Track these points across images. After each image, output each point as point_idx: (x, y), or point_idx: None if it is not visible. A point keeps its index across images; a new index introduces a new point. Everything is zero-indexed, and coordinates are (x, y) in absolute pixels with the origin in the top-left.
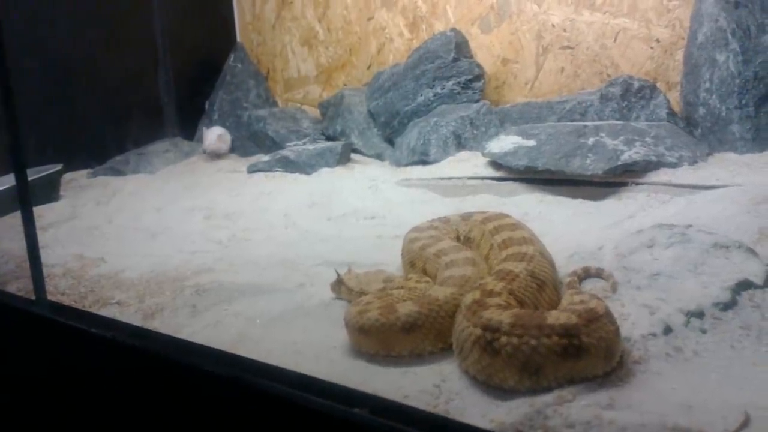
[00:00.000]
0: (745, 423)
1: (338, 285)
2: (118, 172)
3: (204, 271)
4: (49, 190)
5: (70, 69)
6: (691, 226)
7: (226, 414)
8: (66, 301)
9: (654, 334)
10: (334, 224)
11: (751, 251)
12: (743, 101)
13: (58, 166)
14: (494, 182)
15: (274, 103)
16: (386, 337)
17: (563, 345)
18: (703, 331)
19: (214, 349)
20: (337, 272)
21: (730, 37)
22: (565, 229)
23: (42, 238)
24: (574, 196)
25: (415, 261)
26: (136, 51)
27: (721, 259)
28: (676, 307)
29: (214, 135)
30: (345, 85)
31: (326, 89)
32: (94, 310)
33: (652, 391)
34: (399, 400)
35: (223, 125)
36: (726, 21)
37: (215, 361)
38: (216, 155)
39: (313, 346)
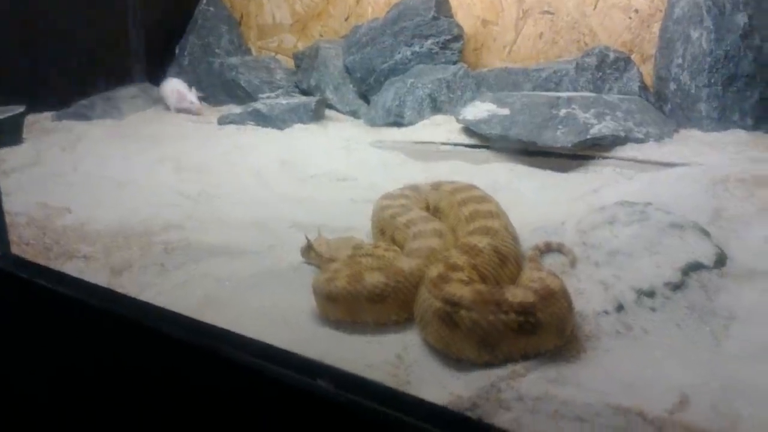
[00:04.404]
0: (683, 403)
1: (308, 250)
2: (83, 117)
3: (173, 227)
4: (12, 133)
5: (35, 9)
6: (650, 204)
7: (189, 380)
8: (31, 251)
9: (606, 311)
10: (305, 185)
11: (705, 232)
12: (712, 80)
13: (21, 108)
14: (467, 149)
15: (247, 51)
16: (352, 305)
17: (519, 322)
18: (653, 310)
19: (178, 314)
20: (307, 238)
21: (705, 14)
22: (532, 201)
23: (5, 183)
24: (544, 167)
25: (385, 229)
26: None
27: (676, 239)
28: (630, 285)
29: (176, 92)
30: (321, 36)
31: (301, 39)
32: (60, 263)
33: (601, 368)
34: (363, 368)
35: (194, 71)
36: None
37: (179, 326)
38: (188, 112)
39: (281, 311)
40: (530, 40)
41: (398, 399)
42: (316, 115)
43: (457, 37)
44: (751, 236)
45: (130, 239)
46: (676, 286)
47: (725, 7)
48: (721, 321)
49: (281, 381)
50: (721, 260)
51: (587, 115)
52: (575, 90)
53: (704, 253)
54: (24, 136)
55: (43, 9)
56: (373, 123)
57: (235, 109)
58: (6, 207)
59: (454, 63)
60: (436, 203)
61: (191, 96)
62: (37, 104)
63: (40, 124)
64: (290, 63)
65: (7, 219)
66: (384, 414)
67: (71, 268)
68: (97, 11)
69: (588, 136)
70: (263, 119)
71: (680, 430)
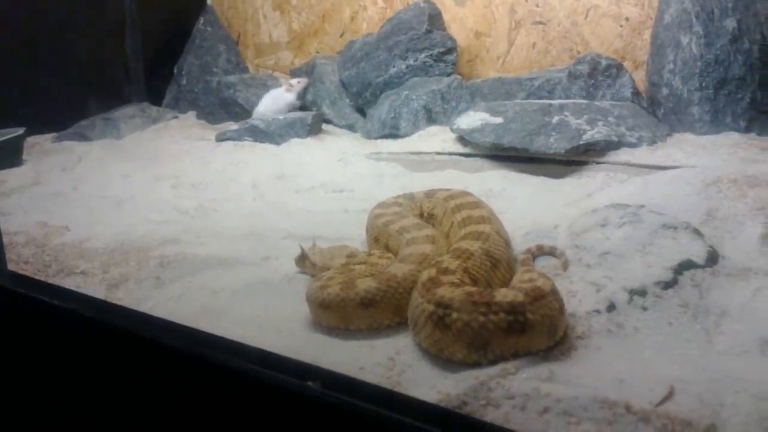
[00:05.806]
0: (669, 396)
1: (302, 259)
2: (83, 137)
3: (169, 241)
4: (12, 155)
5: (35, 30)
6: (643, 206)
7: (183, 386)
8: (29, 269)
9: (598, 311)
10: (302, 197)
11: (697, 232)
12: (703, 83)
13: (21, 130)
14: (461, 158)
15: (245, 69)
16: (345, 311)
17: (509, 321)
18: (644, 309)
19: (172, 322)
20: (301, 247)
21: (694, 19)
22: (526, 207)
23: (4, 204)
24: (537, 174)
25: (379, 237)
26: (104, 12)
27: (668, 240)
28: (621, 285)
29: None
30: (317, 52)
31: (298, 56)
32: (58, 279)
33: (591, 366)
34: (355, 371)
35: (192, 90)
36: (691, 3)
37: (173, 334)
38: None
39: (276, 320)
40: (523, 50)
41: (383, 397)
42: (313, 129)
43: (451, 50)
44: (743, 235)
45: (127, 255)
46: (668, 285)
47: (714, 13)
48: (713, 318)
49: (271, 384)
50: (713, 259)
51: (580, 122)
52: (568, 98)
53: (696, 252)
54: (24, 157)
55: (42, 31)
56: (369, 136)
57: (233, 126)
58: (5, 227)
59: (448, 75)
60: (431, 210)
61: (292, 80)
62: (37, 126)
63: (40, 145)
64: (287, 80)
65: (6, 239)
66: (366, 411)
67: (69, 284)
68: (96, 33)
69: (581, 142)
70: (260, 135)
71: (664, 421)
